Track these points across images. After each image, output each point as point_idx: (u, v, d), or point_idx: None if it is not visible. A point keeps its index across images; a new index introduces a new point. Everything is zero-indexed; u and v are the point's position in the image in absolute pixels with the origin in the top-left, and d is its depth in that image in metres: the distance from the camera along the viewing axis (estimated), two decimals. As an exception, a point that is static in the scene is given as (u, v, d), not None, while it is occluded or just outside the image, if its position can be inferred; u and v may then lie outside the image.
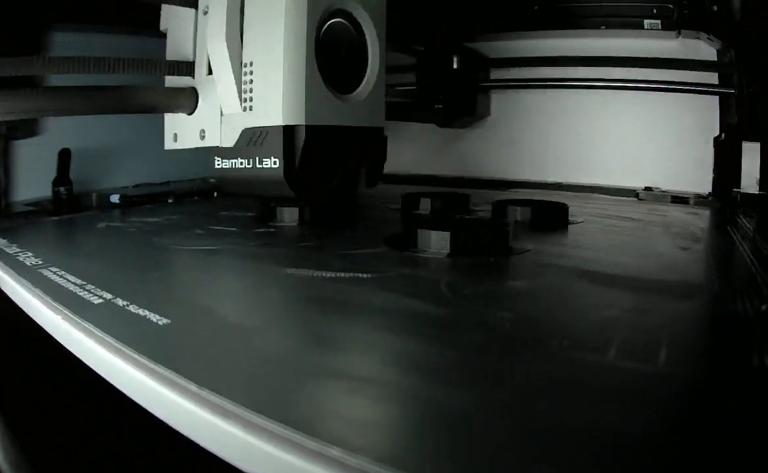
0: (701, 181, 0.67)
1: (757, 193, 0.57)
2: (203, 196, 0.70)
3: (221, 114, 0.44)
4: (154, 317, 0.25)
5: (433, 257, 0.36)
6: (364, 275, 0.31)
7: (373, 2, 0.45)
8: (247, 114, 0.42)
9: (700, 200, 0.64)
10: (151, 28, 0.50)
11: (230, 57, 0.42)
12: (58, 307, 0.27)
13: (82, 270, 0.33)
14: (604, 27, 0.69)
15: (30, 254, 0.38)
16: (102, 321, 0.24)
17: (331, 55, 0.42)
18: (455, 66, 0.74)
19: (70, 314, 0.26)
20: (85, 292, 0.29)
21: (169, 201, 0.66)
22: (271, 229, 0.47)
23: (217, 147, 0.44)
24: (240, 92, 0.42)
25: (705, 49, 0.66)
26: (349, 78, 0.44)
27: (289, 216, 0.49)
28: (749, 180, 0.58)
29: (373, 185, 0.48)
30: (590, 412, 0.16)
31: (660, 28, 0.66)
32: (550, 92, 0.77)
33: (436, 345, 0.22)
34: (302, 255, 0.39)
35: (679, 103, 0.68)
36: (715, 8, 0.62)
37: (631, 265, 0.35)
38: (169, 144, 0.49)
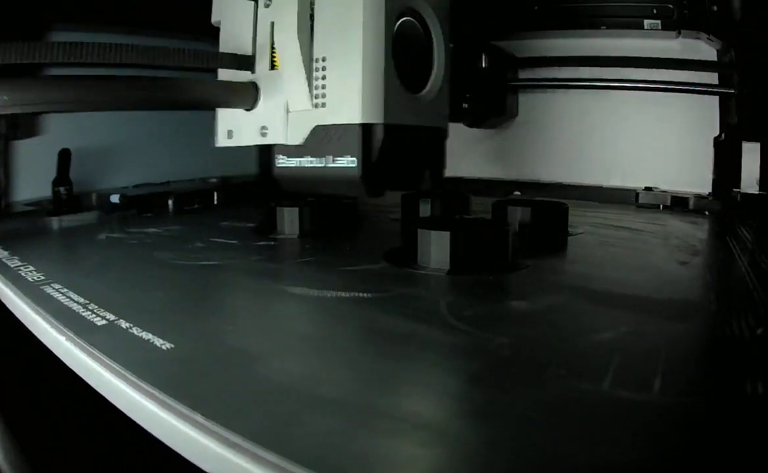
0: (701, 181, 0.67)
1: (757, 193, 0.57)
2: (204, 204, 0.70)
3: (287, 110, 0.42)
4: (158, 341, 0.25)
5: (432, 275, 0.36)
6: (365, 295, 0.31)
7: (439, 2, 0.44)
8: (318, 111, 0.41)
9: (700, 200, 0.64)
10: (150, 27, 0.50)
11: (301, 52, 0.40)
12: (63, 329, 0.27)
13: (84, 288, 0.33)
14: (604, 27, 0.69)
15: (32, 268, 0.38)
16: (106, 345, 0.25)
17: (403, 54, 0.41)
18: (483, 65, 0.73)
19: (74, 336, 0.26)
20: (88, 312, 0.29)
21: (170, 207, 0.66)
22: (272, 242, 0.47)
23: (282, 144, 0.43)
24: (311, 88, 0.41)
25: (705, 49, 0.66)
26: (417, 77, 0.44)
27: (289, 228, 0.49)
28: (749, 180, 0.58)
29: (438, 185, 0.47)
30: (582, 445, 0.17)
31: (660, 28, 0.66)
32: (549, 92, 0.77)
33: (436, 374, 0.22)
34: (303, 272, 0.38)
35: (679, 103, 0.68)
36: (715, 8, 0.62)
37: (630, 282, 0.35)
38: (222, 141, 0.47)
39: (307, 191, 0.44)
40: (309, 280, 0.35)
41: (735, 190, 0.59)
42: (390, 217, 0.59)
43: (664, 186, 0.69)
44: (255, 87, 0.44)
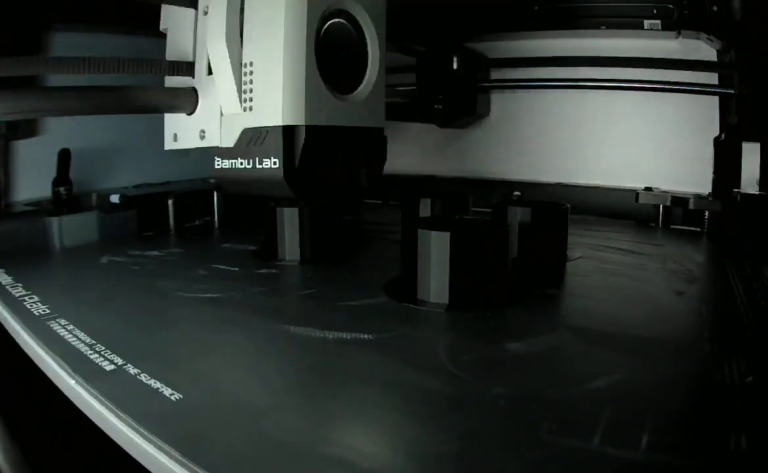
0: (701, 181, 0.67)
1: (757, 193, 0.57)
2: (204, 216, 0.71)
3: (221, 114, 0.44)
4: (167, 391, 0.25)
5: (431, 311, 0.36)
6: (366, 336, 0.32)
7: (372, 2, 0.45)
8: (247, 114, 0.42)
9: (700, 200, 0.64)
10: (149, 28, 0.50)
11: (230, 57, 0.41)
12: (72, 373, 0.27)
13: (90, 325, 0.33)
14: (604, 27, 0.69)
15: (36, 298, 0.39)
16: (116, 394, 0.25)
17: (331, 55, 0.42)
18: (455, 66, 0.74)
19: (84, 383, 0.26)
20: (96, 354, 0.29)
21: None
22: (273, 270, 0.47)
23: (218, 147, 0.44)
24: (240, 92, 0.42)
25: (705, 49, 0.66)
26: (349, 78, 0.44)
27: (290, 254, 0.50)
28: (749, 180, 0.58)
29: (373, 185, 0.48)
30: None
31: (660, 28, 0.66)
32: (549, 92, 0.77)
33: (432, 430, 0.23)
34: (304, 308, 0.38)
35: (679, 103, 0.68)
36: (715, 8, 0.62)
37: (626, 319, 0.36)
38: (169, 144, 0.49)
39: (241, 192, 0.46)
40: (311, 318, 0.35)
41: (735, 190, 0.59)
42: (389, 238, 0.60)
43: (664, 186, 0.69)
44: (195, 92, 0.45)
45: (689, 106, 0.68)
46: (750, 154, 0.58)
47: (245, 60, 0.42)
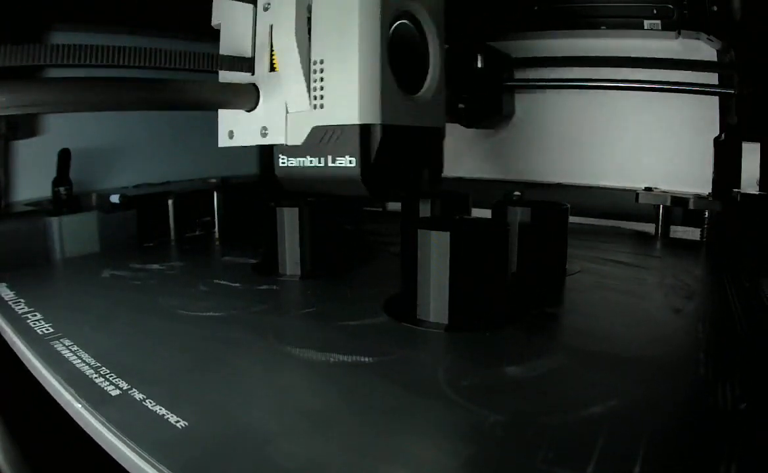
0: (701, 181, 0.67)
1: (757, 193, 0.57)
2: (204, 222, 0.71)
3: (287, 111, 0.43)
4: (172, 418, 0.25)
5: (431, 332, 0.36)
6: (366, 359, 0.32)
7: (433, 5, 0.45)
8: (317, 112, 0.41)
9: (700, 200, 0.64)
10: (152, 28, 0.50)
11: (299, 54, 0.41)
12: (78, 398, 0.28)
13: (94, 346, 0.34)
14: (604, 27, 0.69)
15: (39, 316, 0.39)
16: (123, 421, 0.25)
17: (399, 56, 0.42)
18: (479, 65, 0.73)
19: (90, 408, 0.27)
20: (101, 378, 0.29)
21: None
22: (273, 286, 0.47)
23: (283, 145, 0.44)
24: (310, 90, 0.41)
25: (705, 49, 0.66)
26: (414, 79, 0.44)
27: (291, 269, 0.50)
28: (749, 180, 0.58)
29: (436, 186, 0.48)
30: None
31: (660, 28, 0.66)
32: (549, 93, 0.77)
33: (432, 458, 0.23)
34: (305, 328, 0.38)
35: (679, 103, 0.68)
36: (715, 8, 0.62)
37: (623, 339, 0.36)
38: (224, 141, 0.48)
39: (308, 191, 0.45)
40: (312, 340, 0.35)
41: (735, 190, 0.59)
42: (390, 250, 0.60)
43: (664, 186, 0.69)
44: (255, 88, 0.44)
45: (689, 106, 0.68)
46: (750, 154, 0.58)
47: (315, 57, 0.41)
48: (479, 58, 0.72)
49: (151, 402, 0.27)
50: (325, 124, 0.41)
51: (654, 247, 0.64)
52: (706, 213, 0.65)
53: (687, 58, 0.66)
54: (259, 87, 0.44)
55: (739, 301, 0.43)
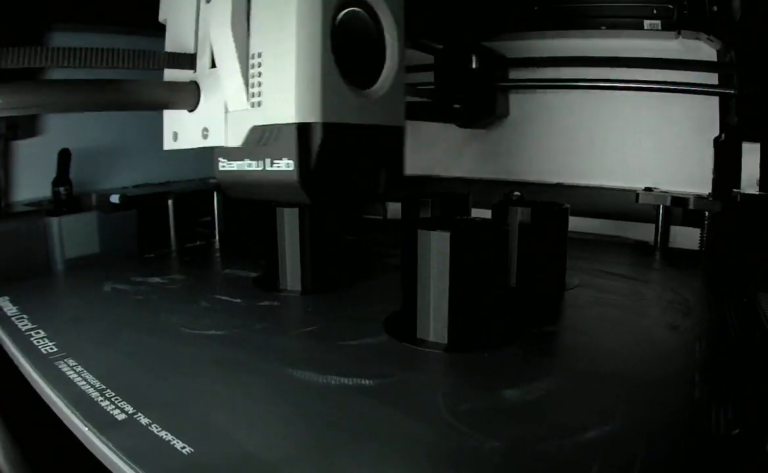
0: (701, 181, 0.67)
1: (757, 193, 0.57)
2: (205, 240, 0.71)
3: (226, 110, 0.40)
4: (178, 444, 0.26)
5: (431, 352, 0.37)
6: (367, 382, 0.32)
7: None
8: (255, 110, 0.38)
9: (700, 200, 0.64)
10: (150, 27, 0.50)
11: (236, 47, 0.37)
12: (85, 422, 0.28)
13: (98, 366, 0.34)
14: (604, 27, 0.69)
15: (43, 334, 0.39)
16: (130, 447, 0.25)
17: (347, 47, 0.38)
18: (474, 65, 0.73)
19: (97, 432, 0.27)
20: (107, 402, 0.30)
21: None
22: (274, 303, 0.47)
23: (223, 147, 0.41)
24: (247, 86, 0.38)
25: (705, 49, 0.66)
26: (366, 73, 0.40)
27: (291, 284, 0.50)
28: (749, 180, 0.58)
29: (393, 189, 0.44)
30: None
31: (660, 28, 0.66)
32: (550, 92, 0.77)
33: None
34: (306, 348, 0.38)
35: (679, 103, 0.68)
36: (715, 8, 0.62)
37: (620, 358, 0.37)
38: (168, 144, 0.46)
39: (249, 197, 0.42)
40: (313, 361, 0.35)
41: (735, 190, 0.59)
42: (391, 263, 0.60)
43: (664, 186, 0.69)
44: (196, 86, 0.41)
45: (689, 106, 0.68)
46: (750, 154, 0.58)
47: (253, 50, 0.38)
48: (474, 58, 0.72)
49: (156, 427, 0.27)
50: (263, 123, 0.38)
51: (653, 258, 0.65)
52: (706, 213, 0.65)
53: (687, 58, 0.66)
54: (200, 85, 0.41)
55: (737, 318, 0.43)
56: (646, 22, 0.67)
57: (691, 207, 0.64)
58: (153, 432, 0.27)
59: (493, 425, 0.28)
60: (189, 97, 0.41)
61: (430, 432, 0.27)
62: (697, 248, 0.66)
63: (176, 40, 0.44)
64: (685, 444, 0.27)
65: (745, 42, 0.60)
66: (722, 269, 0.57)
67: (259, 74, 0.38)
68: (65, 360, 0.35)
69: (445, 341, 0.37)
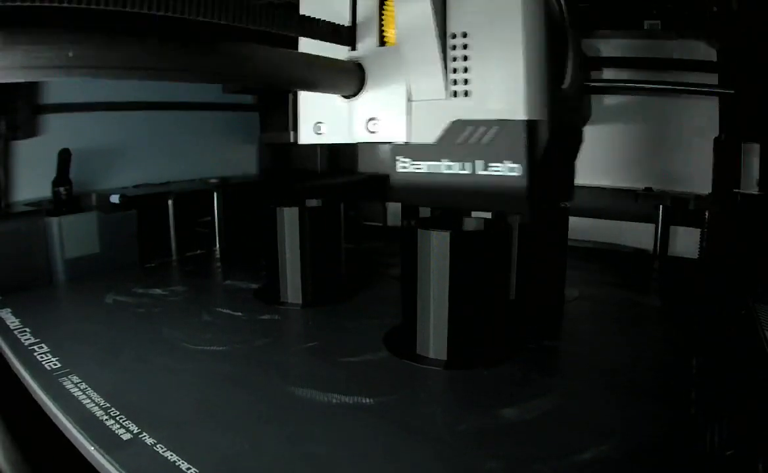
0: (701, 181, 0.67)
1: (757, 193, 0.57)
2: (205, 250, 0.71)
3: (409, 99, 0.34)
4: (183, 464, 0.26)
5: (430, 369, 0.37)
6: (367, 400, 0.32)
7: None
8: (458, 101, 0.32)
9: (700, 200, 0.64)
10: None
11: (436, 24, 0.31)
12: (91, 441, 0.28)
13: (102, 383, 0.34)
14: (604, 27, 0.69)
15: (46, 348, 0.39)
16: (136, 467, 0.26)
17: (552, 36, 0.32)
18: None
19: (105, 453, 0.27)
20: (112, 421, 0.30)
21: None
22: (275, 316, 0.47)
23: (403, 144, 0.34)
24: (447, 72, 0.32)
25: (705, 49, 0.66)
26: (559, 66, 0.35)
27: (292, 297, 0.49)
28: (749, 180, 0.58)
29: (569, 197, 0.39)
30: None
31: (660, 28, 0.66)
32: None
33: None
34: (308, 365, 0.38)
35: (679, 103, 0.68)
36: (715, 8, 0.62)
37: (620, 374, 0.37)
38: (307, 136, 0.38)
39: (439, 206, 0.36)
40: (314, 378, 0.35)
41: (735, 190, 0.59)
42: (390, 273, 0.60)
43: (664, 186, 0.69)
44: (360, 68, 0.35)
45: (689, 106, 0.68)
46: (750, 154, 0.58)
47: (453, 29, 0.32)
48: None
49: (162, 447, 0.27)
50: (469, 117, 0.32)
51: (653, 268, 0.65)
52: (707, 213, 0.65)
53: (687, 58, 0.66)
54: (364, 66, 0.35)
55: (736, 329, 0.43)
56: (646, 22, 0.66)
57: (691, 207, 0.64)
58: (158, 452, 0.27)
59: (492, 445, 0.28)
60: (353, 80, 0.34)
61: (430, 452, 0.28)
62: (697, 255, 0.66)
63: (321, 7, 0.34)
64: (681, 466, 0.27)
65: (745, 42, 0.60)
66: (721, 277, 0.57)
67: (465, 58, 0.32)
68: (69, 376, 0.35)
69: (445, 357, 0.37)
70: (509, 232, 0.40)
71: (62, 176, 0.59)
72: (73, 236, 0.57)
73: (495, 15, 0.30)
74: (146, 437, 0.28)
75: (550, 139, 0.31)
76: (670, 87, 0.66)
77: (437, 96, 0.32)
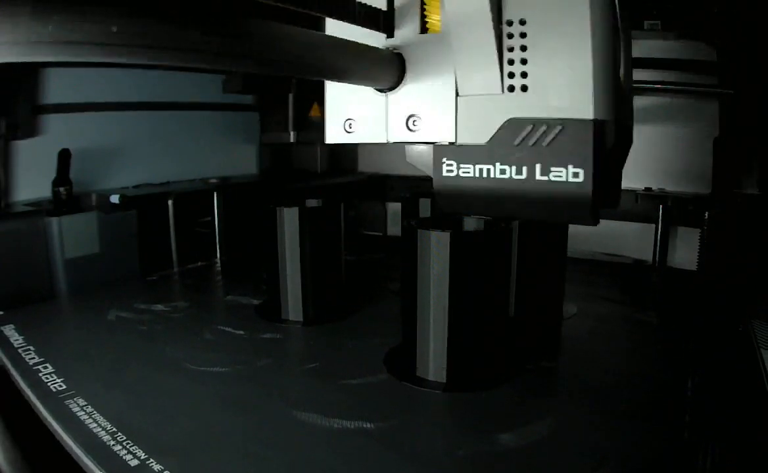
0: (701, 181, 0.67)
1: (757, 193, 0.57)
2: (205, 263, 0.71)
3: (457, 94, 0.30)
4: None
5: (430, 392, 0.37)
6: (368, 425, 0.33)
7: None
8: (514, 96, 0.29)
9: (700, 200, 0.64)
10: None
11: (490, 9, 0.27)
12: (100, 467, 0.28)
13: (108, 406, 0.34)
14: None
15: (51, 368, 0.39)
16: None
17: (616, 30, 0.29)
18: None
19: None
20: (119, 446, 0.30)
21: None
22: (277, 335, 0.47)
23: (448, 144, 0.30)
24: (502, 64, 0.28)
25: (705, 49, 0.66)
26: (617, 64, 0.31)
27: (293, 314, 0.49)
28: (749, 180, 0.58)
29: (616, 204, 0.35)
30: None
31: (660, 28, 0.66)
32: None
33: None
34: (309, 388, 0.38)
35: (679, 103, 0.68)
36: (716, 9, 0.62)
37: (618, 397, 0.37)
38: (336, 135, 0.35)
39: (490, 215, 0.34)
40: (316, 402, 0.35)
41: (735, 190, 0.59)
42: (390, 288, 0.60)
43: (664, 186, 0.69)
44: (400, 59, 0.31)
45: (689, 106, 0.68)
46: (750, 154, 0.58)
47: (509, 16, 0.28)
48: None
49: None
50: (529, 115, 0.28)
51: (649, 280, 0.65)
52: (706, 214, 0.65)
53: (687, 58, 0.66)
54: (404, 56, 0.31)
55: (734, 347, 0.43)
56: (646, 22, 0.66)
57: (691, 207, 0.64)
58: None
59: (490, 470, 0.28)
60: (392, 71, 0.30)
61: None
62: (696, 265, 0.66)
63: None
64: None
65: (745, 42, 0.60)
66: (720, 289, 0.57)
67: (522, 48, 0.28)
68: (75, 398, 0.35)
69: (444, 380, 0.37)
70: (509, 233, 0.40)
71: (62, 176, 0.59)
72: (73, 236, 0.57)
73: (559, 4, 0.27)
74: (153, 463, 0.28)
75: (615, 141, 0.28)
76: (670, 87, 0.67)
77: (490, 91, 0.29)
